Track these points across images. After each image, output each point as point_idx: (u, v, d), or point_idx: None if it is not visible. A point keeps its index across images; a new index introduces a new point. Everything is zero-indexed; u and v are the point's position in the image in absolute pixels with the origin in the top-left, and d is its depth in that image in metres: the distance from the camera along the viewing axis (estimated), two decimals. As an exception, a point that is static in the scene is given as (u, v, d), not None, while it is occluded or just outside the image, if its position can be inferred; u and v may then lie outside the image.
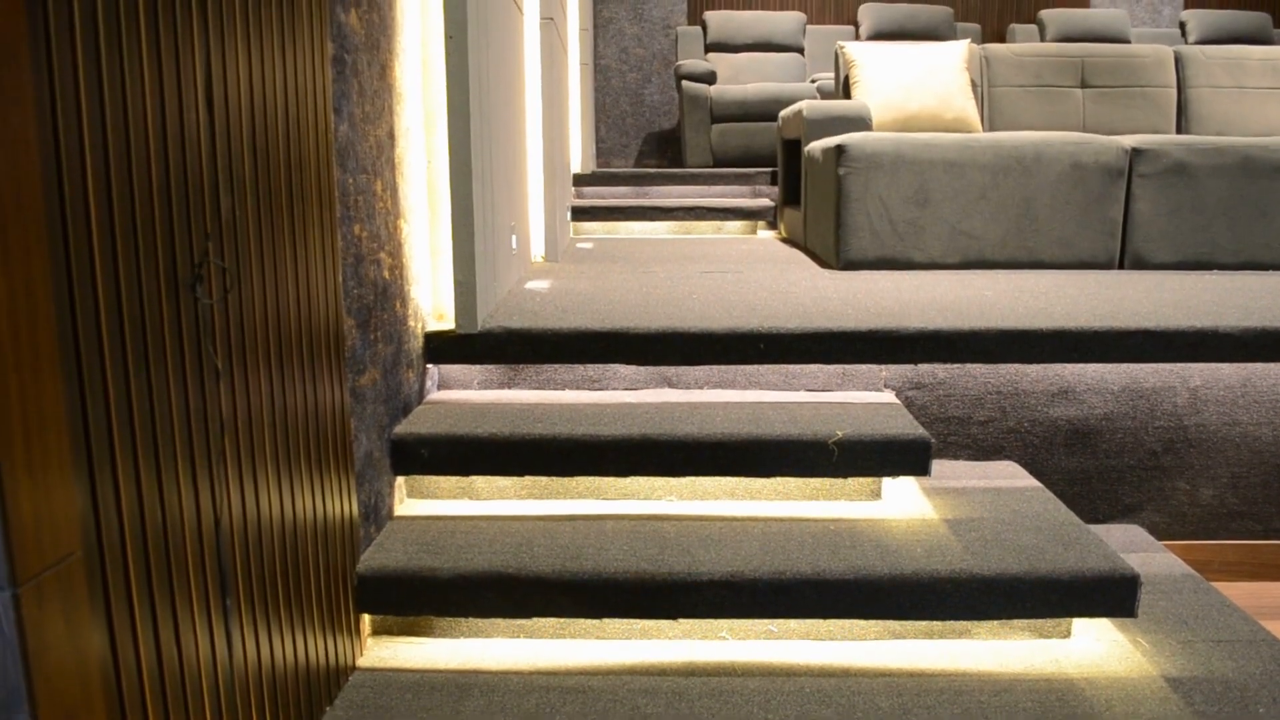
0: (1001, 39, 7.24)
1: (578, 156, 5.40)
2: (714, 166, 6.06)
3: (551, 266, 3.50)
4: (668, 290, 2.82)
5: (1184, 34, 7.13)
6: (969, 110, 4.72)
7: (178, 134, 1.06)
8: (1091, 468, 2.36)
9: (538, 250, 3.70)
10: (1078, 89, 4.97)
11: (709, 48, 6.75)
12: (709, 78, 6.05)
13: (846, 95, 4.85)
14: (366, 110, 1.77)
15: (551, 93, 3.60)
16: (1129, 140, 3.38)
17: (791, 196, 4.96)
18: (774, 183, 5.43)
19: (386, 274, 1.89)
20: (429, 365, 2.23)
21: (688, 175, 5.41)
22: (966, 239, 3.35)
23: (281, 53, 1.34)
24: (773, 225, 5.13)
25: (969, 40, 4.87)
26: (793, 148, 4.73)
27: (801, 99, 6.05)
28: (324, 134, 1.51)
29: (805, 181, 4.10)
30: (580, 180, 5.37)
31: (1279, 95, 5.09)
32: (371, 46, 1.80)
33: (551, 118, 3.59)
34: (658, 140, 7.24)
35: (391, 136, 1.93)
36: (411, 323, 2.08)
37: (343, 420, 1.61)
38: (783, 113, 4.77)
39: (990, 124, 4.90)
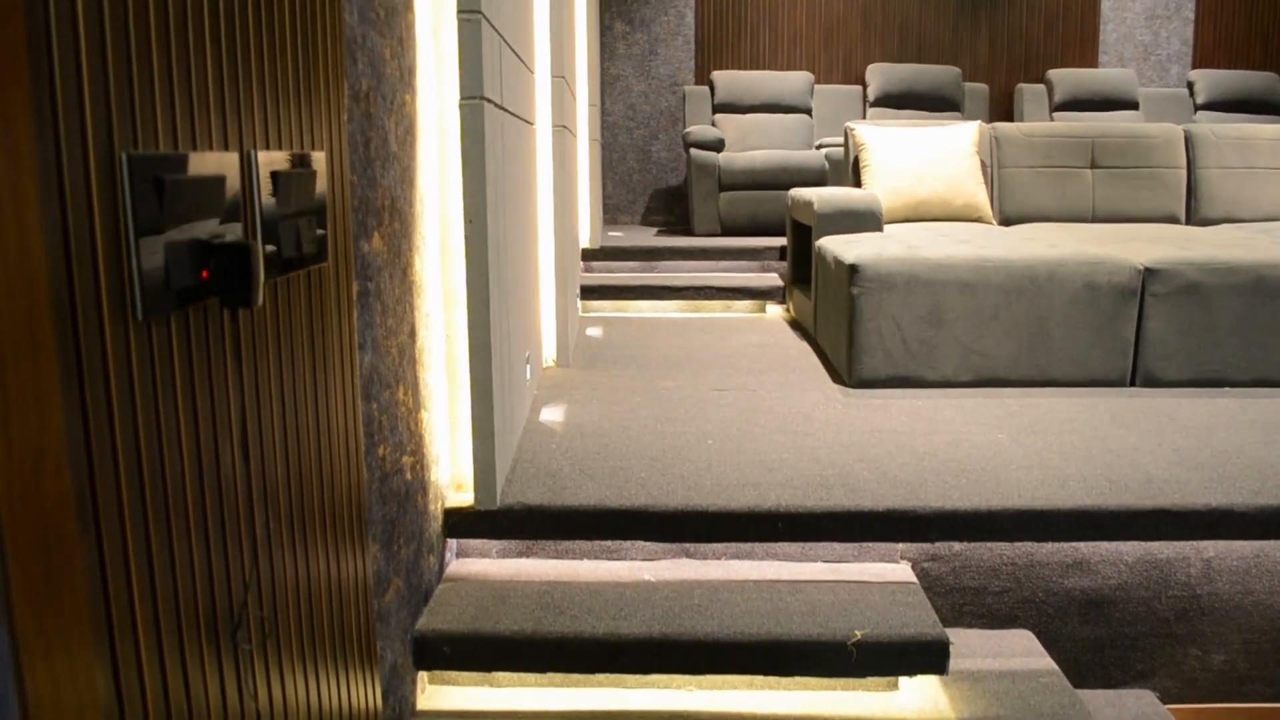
0: (1009, 99, 7.28)
1: (586, 229, 5.43)
2: (722, 235, 6.09)
3: (562, 378, 3.52)
4: (682, 431, 2.84)
5: (1192, 94, 7.16)
6: (979, 196, 4.76)
7: (214, 480, 1.08)
8: (1105, 635, 2.38)
9: (549, 354, 3.73)
10: (1088, 169, 5.00)
11: (717, 108, 6.78)
12: (717, 145, 6.08)
13: (856, 178, 4.88)
14: (389, 325, 1.79)
15: (562, 185, 3.63)
16: (1142, 259, 3.41)
17: (800, 275, 4.98)
18: (782, 258, 5.46)
19: (409, 476, 1.92)
20: (449, 539, 2.25)
21: (696, 250, 5.43)
22: (979, 358, 3.37)
23: (311, 372, 1.36)
24: (781, 301, 5.16)
25: (979, 122, 4.91)
26: (802, 230, 4.76)
27: (810, 168, 6.09)
28: (353, 414, 1.53)
29: (816, 275, 4.12)
30: (589, 255, 5.40)
31: (1289, 176, 5.12)
32: (393, 257, 1.83)
33: (563, 209, 3.62)
34: (664, 197, 7.28)
35: (413, 335, 1.95)
36: (432, 507, 2.11)
37: (368, 645, 1.63)
38: (793, 193, 4.80)
39: (1000, 206, 4.94)
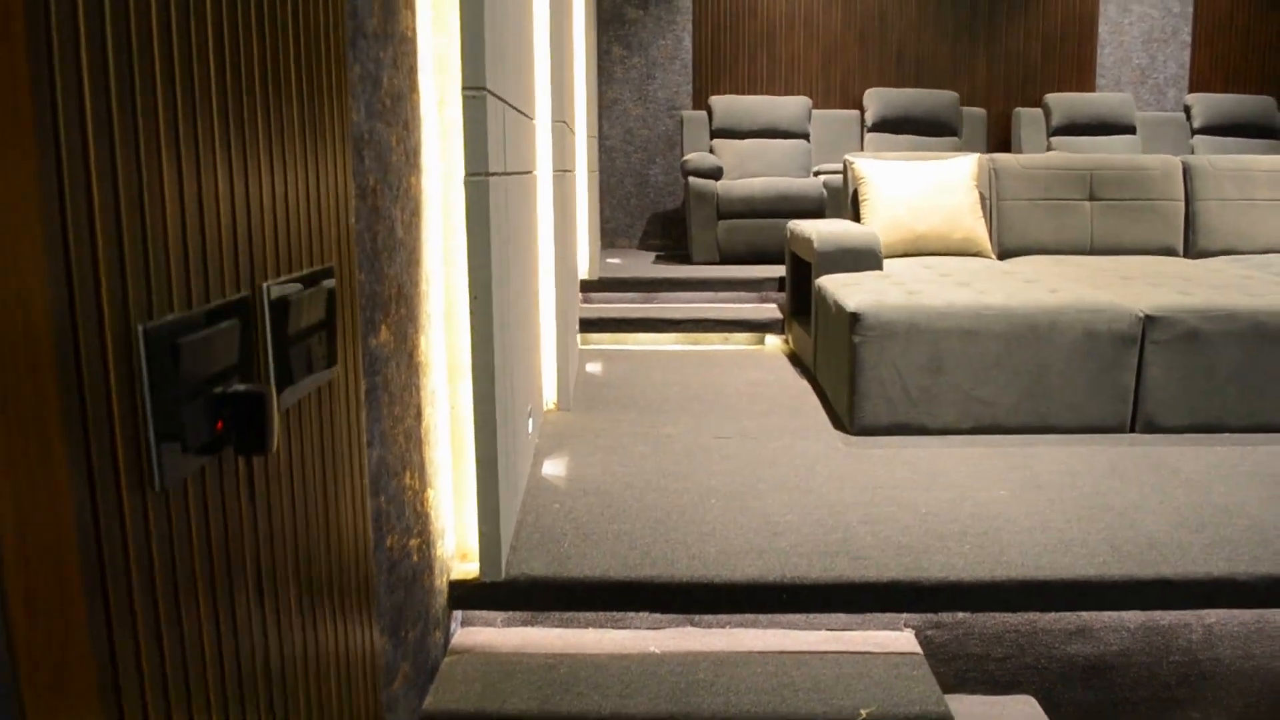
0: (1007, 123, 7.30)
1: (585, 259, 5.44)
2: (720, 263, 6.10)
3: (564, 423, 3.53)
4: (685, 487, 2.85)
5: (1189, 118, 7.19)
6: (977, 230, 4.77)
7: (231, 631, 1.09)
8: (1107, 701, 2.39)
9: (550, 396, 3.73)
10: (1086, 201, 5.02)
11: (714, 133, 6.80)
12: (715, 173, 6.10)
13: (855, 211, 4.89)
14: (396, 414, 1.80)
15: (563, 226, 3.64)
16: (1142, 306, 3.42)
17: (799, 307, 4.99)
18: (781, 289, 5.47)
19: (415, 559, 1.92)
20: (454, 611, 2.26)
21: (695, 281, 5.45)
22: (980, 405, 3.38)
23: (322, 489, 1.37)
24: (780, 332, 5.17)
25: (978, 155, 4.93)
26: (801, 262, 4.77)
27: (809, 197, 6.10)
28: (363, 515, 1.54)
29: (816, 313, 4.13)
30: (588, 286, 5.41)
31: (1286, 207, 5.14)
32: (400, 344, 1.83)
33: (563, 251, 3.64)
34: (662, 221, 7.29)
35: (419, 416, 1.96)
36: (438, 582, 2.11)
37: (376, 751, 1.63)
38: (791, 226, 4.81)
39: (998, 239, 4.95)
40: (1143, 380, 3.44)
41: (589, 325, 5.05)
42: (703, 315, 5.11)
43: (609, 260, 6.35)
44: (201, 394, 1.00)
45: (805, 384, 4.19)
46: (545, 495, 2.76)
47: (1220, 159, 5.17)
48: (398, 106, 1.83)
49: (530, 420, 3.00)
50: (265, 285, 1.16)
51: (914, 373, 3.36)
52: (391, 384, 1.77)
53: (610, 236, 7.30)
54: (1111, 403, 3.43)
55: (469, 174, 2.10)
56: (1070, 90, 7.35)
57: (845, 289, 3.64)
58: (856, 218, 4.89)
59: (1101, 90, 7.36)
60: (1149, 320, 3.40)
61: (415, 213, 1.94)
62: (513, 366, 2.48)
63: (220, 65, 1.04)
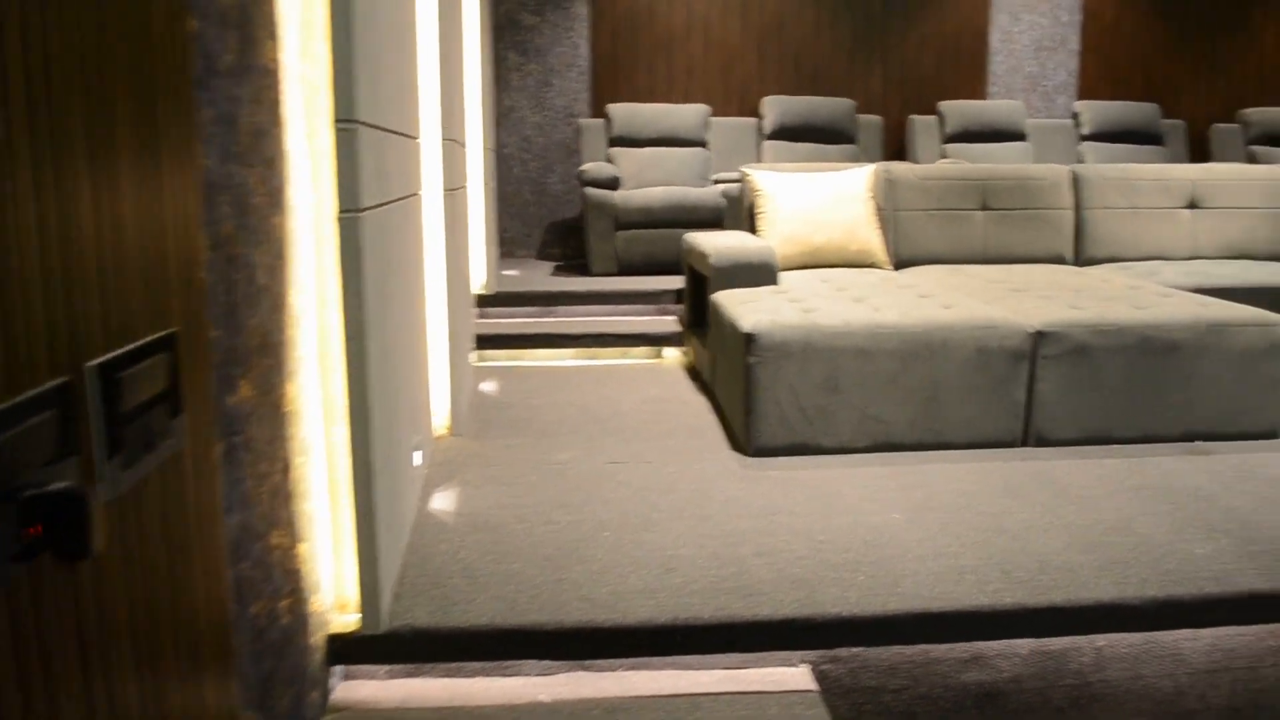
0: (901, 129, 7.41)
1: (481, 273, 5.35)
2: (619, 274, 6.06)
3: (455, 450, 3.44)
4: (578, 520, 2.80)
5: (1077, 124, 7.38)
6: (873, 241, 4.81)
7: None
8: (1003, 727, 2.41)
9: (441, 421, 3.65)
10: (979, 211, 5.11)
11: (612, 141, 6.76)
12: (613, 183, 6.05)
13: (752, 225, 4.90)
14: (261, 470, 1.71)
15: (455, 244, 3.56)
16: (1033, 322, 3.47)
17: (697, 320, 4.98)
18: (679, 301, 5.45)
19: (286, 620, 1.83)
20: (334, 666, 2.17)
21: (594, 294, 5.40)
22: (875, 423, 3.40)
23: (170, 575, 1.28)
24: (679, 344, 5.14)
25: (874, 165, 4.97)
26: (699, 275, 4.74)
27: (707, 206, 6.10)
28: (217, 589, 1.44)
29: (713, 328, 4.12)
30: (484, 301, 5.32)
31: (1168, 215, 5.30)
32: (264, 397, 1.74)
33: (455, 269, 3.56)
34: (561, 231, 7.22)
35: (288, 469, 1.87)
36: (313, 639, 2.02)
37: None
38: (689, 240, 4.79)
39: (894, 250, 5.01)
40: (1034, 395, 3.50)
41: (485, 342, 4.96)
42: (601, 329, 5.06)
43: (506, 273, 6.26)
44: (11, 498, 0.92)
45: (703, 400, 4.17)
46: (432, 534, 2.68)
47: (1106, 168, 5.31)
48: (259, 144, 1.74)
49: (418, 453, 2.92)
50: (90, 365, 1.07)
51: (810, 392, 3.35)
52: (255, 441, 1.67)
53: (508, 247, 7.21)
54: (1004, 418, 3.47)
55: (341, 211, 2.01)
56: (964, 98, 7.49)
57: (741, 306, 3.63)
58: (754, 230, 4.89)
59: (994, 98, 7.52)
60: (1040, 336, 3.46)
61: (280, 255, 1.85)
62: (395, 404, 2.39)
63: (30, 114, 0.95)
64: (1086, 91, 7.61)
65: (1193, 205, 5.33)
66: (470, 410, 4.00)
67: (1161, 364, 3.54)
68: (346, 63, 1.99)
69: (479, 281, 5.34)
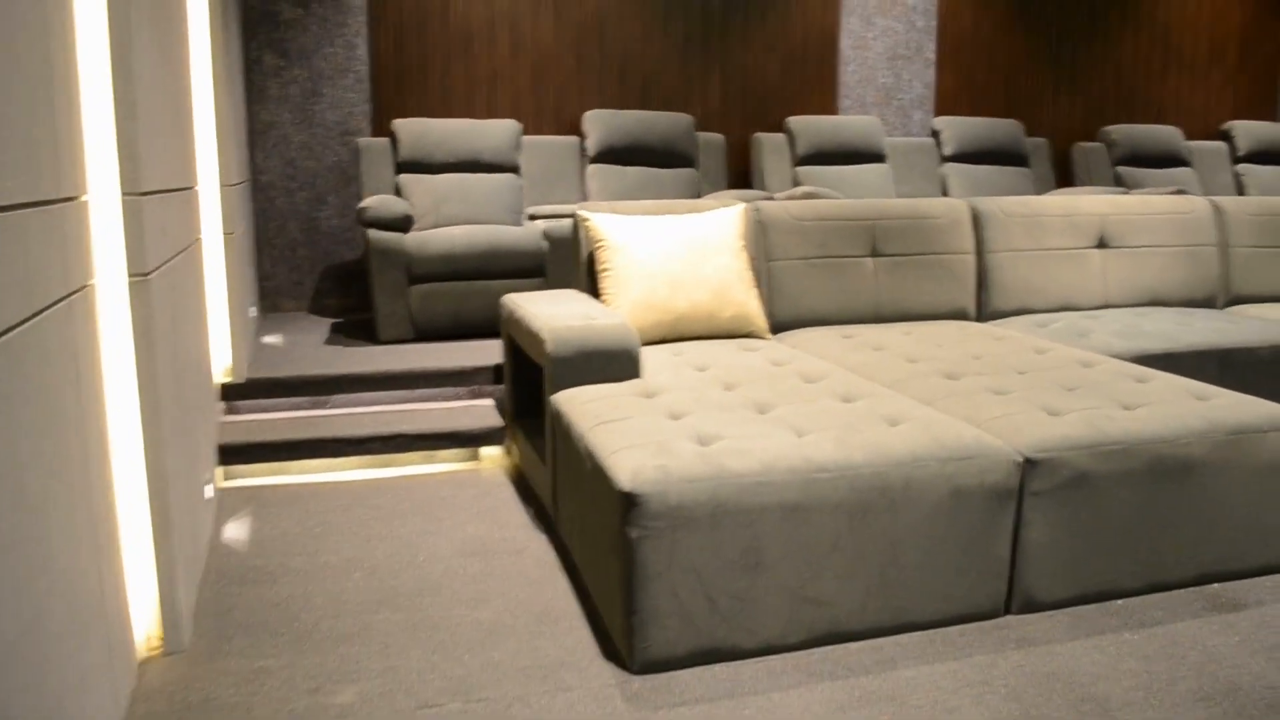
0: (746, 149, 6.47)
1: (226, 352, 4.04)
2: (416, 340, 4.85)
3: (166, 687, 2.19)
4: None
5: (939, 143, 6.66)
6: (750, 304, 3.82)
7: None
8: None
9: (147, 629, 2.38)
10: (869, 258, 4.22)
11: (401, 166, 5.52)
12: (403, 223, 4.83)
13: (592, 282, 3.83)
14: None
15: (179, 329, 2.32)
16: (1020, 447, 2.53)
17: (523, 409, 3.87)
18: (499, 379, 4.30)
19: None
20: None
21: (383, 377, 4.16)
22: (814, 608, 2.36)
23: None
24: (501, 440, 3.99)
25: (743, 206, 3.98)
26: (525, 352, 3.62)
27: (525, 251, 4.97)
28: None
29: (559, 446, 3.01)
30: (234, 392, 4.01)
31: (1078, 257, 4.57)
32: None
33: (181, 365, 2.31)
34: (339, 276, 5.92)
35: None
36: None
37: None
38: (509, 305, 3.67)
39: (771, 310, 4.05)
40: (1020, 546, 2.56)
41: (234, 455, 3.68)
42: (395, 427, 3.85)
43: (267, 340, 4.93)
44: None
45: (546, 544, 3.05)
46: None
47: (1009, 202, 4.51)
48: None
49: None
50: None
51: (722, 573, 2.29)
52: None
53: (273, 298, 5.85)
54: (983, 581, 2.51)
55: None
56: (813, 112, 6.63)
57: (604, 431, 2.53)
58: (594, 290, 3.81)
59: (845, 112, 6.69)
60: (1029, 465, 2.51)
61: None
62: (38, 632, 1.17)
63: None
64: (944, 106, 6.90)
65: (1102, 244, 4.61)
66: (205, 584, 2.75)
67: (1174, 490, 2.67)
68: None
69: (222, 366, 4.03)
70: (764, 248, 4.06)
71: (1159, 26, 7.37)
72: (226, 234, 3.89)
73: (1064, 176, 7.17)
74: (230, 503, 3.45)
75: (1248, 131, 7.38)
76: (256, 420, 3.94)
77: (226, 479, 3.72)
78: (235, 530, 3.21)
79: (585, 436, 2.61)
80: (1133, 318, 4.31)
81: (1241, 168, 7.36)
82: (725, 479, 2.27)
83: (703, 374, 3.19)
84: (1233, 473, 2.73)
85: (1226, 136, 7.46)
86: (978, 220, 4.41)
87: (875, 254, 4.21)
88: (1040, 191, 6.82)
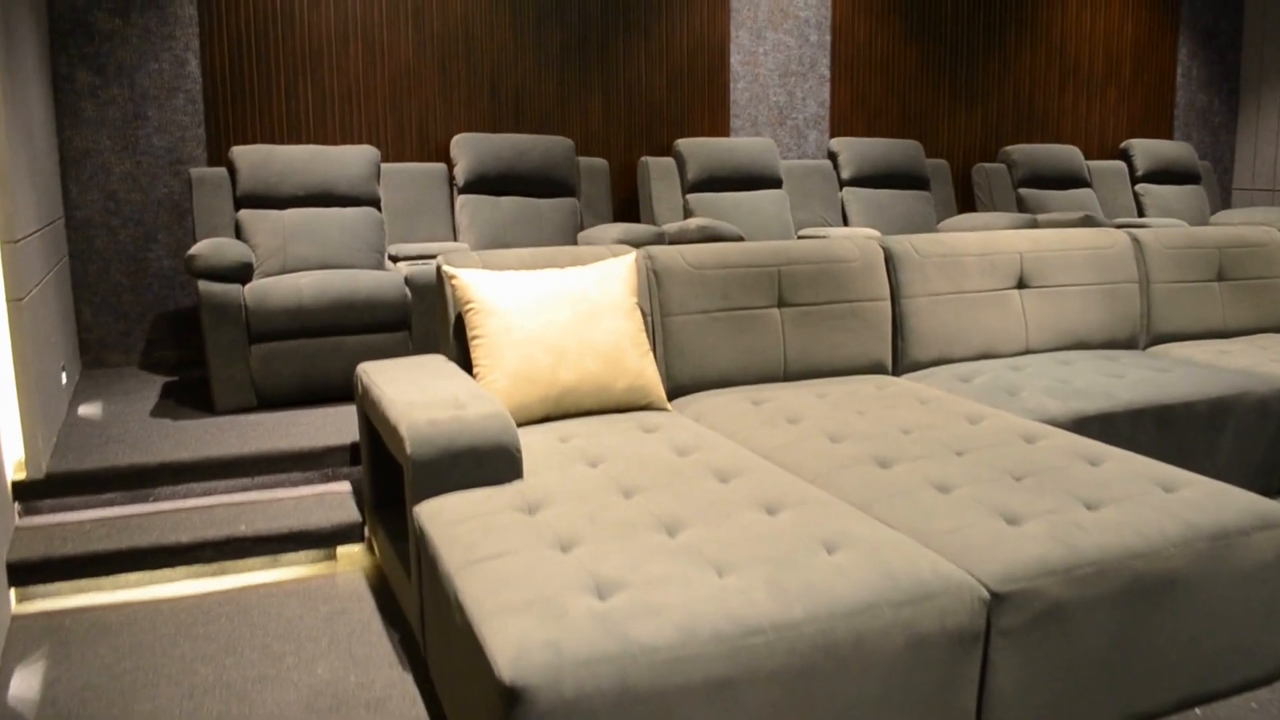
0: (632, 174, 6.02)
1: (17, 440, 3.40)
2: (259, 408, 4.25)
3: None
4: None
5: (836, 165, 6.32)
6: (647, 373, 3.36)
7: None
8: None
9: None
10: (775, 309, 3.81)
11: (241, 201, 4.90)
12: (241, 272, 4.22)
13: (461, 348, 3.33)
14: None
15: None
16: (985, 578, 2.12)
17: (385, 497, 3.35)
18: (355, 460, 3.75)
19: None
20: None
21: (217, 464, 3.56)
22: (747, 804, 1.91)
23: None
24: (360, 538, 3.45)
25: (634, 254, 3.54)
26: (378, 436, 3.10)
27: (386, 302, 4.42)
28: None
29: (420, 564, 2.51)
30: (31, 491, 3.37)
31: (998, 299, 4.25)
32: None
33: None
34: (173, 325, 5.26)
35: None
36: None
37: None
38: (366, 379, 3.15)
39: (669, 373, 3.62)
40: (986, 694, 2.15)
41: (28, 573, 3.06)
42: (231, 527, 3.28)
43: (83, 411, 4.27)
44: None
45: (413, 694, 2.54)
46: None
47: (922, 240, 4.16)
48: None
49: None
50: None
51: (632, 775, 1.81)
52: None
53: (96, 352, 5.15)
54: (945, 743, 2.10)
55: None
56: (703, 133, 6.21)
57: (479, 578, 2.04)
58: (464, 357, 3.31)
59: (737, 132, 6.29)
60: (995, 601, 2.11)
61: None
62: None
63: None
64: (840, 126, 6.55)
65: (1022, 284, 4.31)
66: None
67: (1152, 610, 2.31)
68: None
69: (13, 459, 3.39)
70: (659, 301, 3.61)
71: (1055, 42, 7.18)
72: (12, 301, 3.25)
73: (965, 199, 6.91)
74: (22, 638, 2.84)
75: (1146, 150, 7.25)
76: (60, 524, 3.31)
77: (20, 602, 3.09)
78: (23, 683, 2.61)
79: (455, 579, 2.11)
80: (1059, 367, 4.01)
81: (1140, 188, 7.22)
82: (633, 656, 1.80)
83: (596, 471, 2.72)
84: (1214, 584, 2.38)
85: (1125, 155, 7.32)
86: (891, 262, 4.04)
87: (782, 304, 3.80)
88: (942, 216, 6.54)
